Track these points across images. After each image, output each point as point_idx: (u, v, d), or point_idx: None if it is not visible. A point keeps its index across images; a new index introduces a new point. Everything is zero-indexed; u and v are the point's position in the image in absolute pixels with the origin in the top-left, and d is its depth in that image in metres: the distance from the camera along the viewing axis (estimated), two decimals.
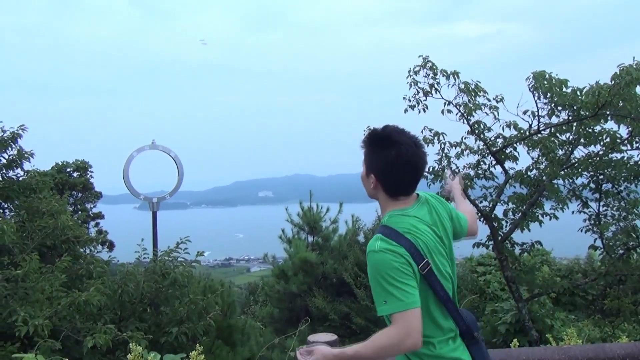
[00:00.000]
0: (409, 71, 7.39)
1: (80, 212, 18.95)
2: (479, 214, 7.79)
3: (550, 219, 7.69)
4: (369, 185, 2.12)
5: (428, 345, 1.95)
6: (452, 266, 2.08)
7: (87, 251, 8.28)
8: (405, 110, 7.47)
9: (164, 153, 11.51)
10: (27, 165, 7.95)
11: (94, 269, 6.63)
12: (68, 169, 21.45)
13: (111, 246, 20.52)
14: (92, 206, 22.32)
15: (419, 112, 7.42)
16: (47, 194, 7.87)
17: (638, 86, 6.41)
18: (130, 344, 3.26)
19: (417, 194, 2.14)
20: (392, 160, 2.00)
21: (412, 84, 7.41)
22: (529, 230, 7.75)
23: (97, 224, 22.24)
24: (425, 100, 7.45)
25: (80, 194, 21.50)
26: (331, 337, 2.38)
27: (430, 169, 7.80)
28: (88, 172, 22.02)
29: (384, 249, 1.89)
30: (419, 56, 7.38)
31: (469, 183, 7.82)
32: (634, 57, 6.38)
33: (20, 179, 7.79)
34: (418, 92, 7.43)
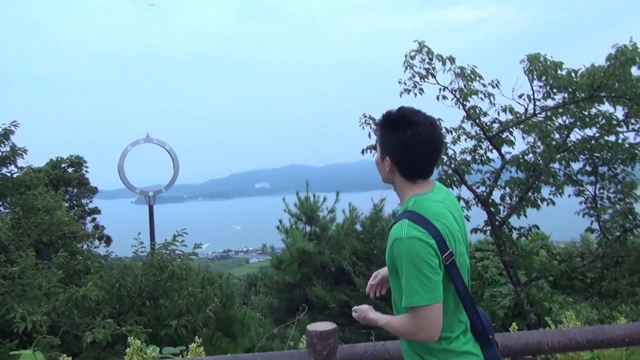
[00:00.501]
0: (406, 55, 7.35)
1: (76, 208, 18.87)
2: (477, 199, 7.79)
3: (547, 205, 7.69)
4: (385, 169, 2.02)
5: (441, 340, 1.89)
6: (467, 256, 2.04)
7: (84, 246, 8.27)
8: (401, 94, 7.44)
9: (159, 146, 11.43)
10: (21, 162, 7.91)
11: (92, 264, 6.62)
12: (63, 165, 21.33)
13: (108, 241, 20.48)
14: (88, 202, 22.25)
15: (415, 95, 7.39)
16: (42, 190, 7.83)
17: (633, 66, 6.38)
18: (129, 338, 3.25)
19: (433, 180, 2.06)
20: (408, 140, 1.90)
21: (408, 67, 7.36)
22: (526, 216, 7.75)
23: (93, 219, 22.18)
24: (422, 84, 7.42)
25: (75, 190, 21.42)
26: (330, 325, 2.36)
27: None
28: (83, 168, 21.92)
29: (412, 236, 1.80)
30: (415, 41, 7.34)
31: (465, 169, 7.81)
32: (631, 37, 6.36)
33: (15, 175, 7.75)
34: (414, 76, 7.39)
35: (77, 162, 21.63)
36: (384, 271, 2.29)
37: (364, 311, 2.11)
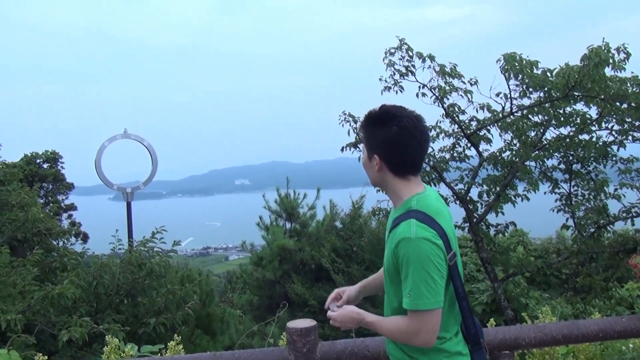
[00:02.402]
0: (386, 52, 7.39)
1: (51, 204, 18.53)
2: (455, 197, 7.88)
3: (522, 200, 7.82)
4: (373, 169, 1.95)
5: (436, 339, 1.86)
6: None
7: (60, 243, 8.14)
8: (382, 92, 7.48)
9: (137, 142, 11.30)
10: None
11: (68, 262, 6.52)
12: (38, 160, 20.94)
13: (85, 238, 20.18)
14: (64, 198, 21.89)
15: (396, 92, 7.43)
16: (16, 186, 7.69)
17: (607, 67, 6.51)
18: (107, 337, 3.21)
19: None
20: (395, 135, 1.86)
21: (389, 65, 7.40)
22: (503, 213, 7.86)
23: (70, 216, 21.83)
24: (401, 81, 7.46)
25: (51, 186, 21.05)
26: (310, 322, 2.37)
27: None
28: (59, 163, 21.55)
29: (422, 237, 1.76)
30: (396, 36, 7.38)
31: (444, 166, 7.89)
32: (603, 38, 6.49)
33: None
34: (394, 74, 7.43)
35: (53, 158, 21.25)
36: (350, 291, 2.27)
37: (348, 309, 2.05)
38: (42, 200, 19.34)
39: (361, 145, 2.07)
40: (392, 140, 1.88)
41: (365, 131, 1.98)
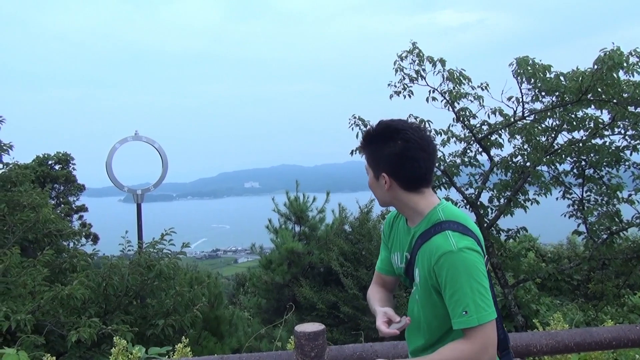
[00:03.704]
0: (398, 55, 7.38)
1: (62, 206, 18.70)
2: (465, 201, 7.83)
3: (531, 204, 7.75)
4: (382, 189, 1.82)
5: None
6: None
7: (71, 244, 8.19)
8: (391, 97, 7.45)
9: (147, 144, 11.34)
10: (6, 158, 7.82)
11: (78, 263, 6.55)
12: (50, 162, 21.14)
13: (95, 239, 20.31)
14: (75, 199, 22.06)
15: (405, 97, 7.41)
16: (27, 187, 7.75)
17: (620, 70, 6.44)
18: (115, 338, 3.21)
19: None
20: (401, 149, 1.74)
21: (398, 69, 7.38)
22: (512, 214, 7.79)
23: (80, 217, 21.99)
24: (411, 86, 7.44)
25: (62, 187, 21.23)
26: (318, 326, 2.34)
27: None
28: (70, 165, 21.73)
29: (464, 247, 1.64)
30: (410, 41, 7.37)
31: (455, 170, 7.84)
32: (613, 43, 6.43)
33: (0, 172, 7.65)
34: (404, 78, 7.41)
35: (64, 159, 21.44)
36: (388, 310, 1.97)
37: None
38: (53, 202, 19.51)
39: (365, 166, 1.90)
40: (400, 155, 1.76)
41: (369, 150, 1.86)
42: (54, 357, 3.14)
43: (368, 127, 1.93)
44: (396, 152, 1.76)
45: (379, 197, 1.89)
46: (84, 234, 10.89)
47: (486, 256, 1.74)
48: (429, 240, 1.72)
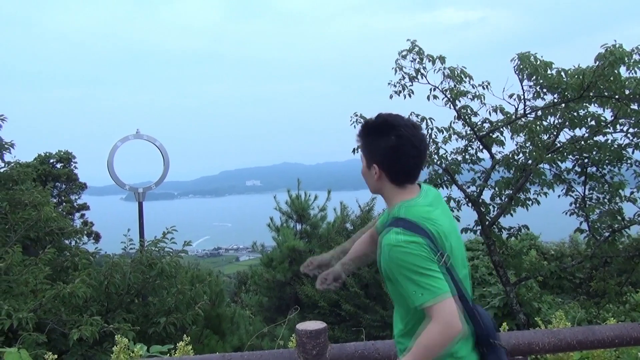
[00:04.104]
0: (399, 54, 7.36)
1: (64, 204, 18.72)
2: (467, 199, 7.81)
3: (532, 204, 7.73)
4: (372, 179, 2.00)
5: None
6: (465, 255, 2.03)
7: (72, 243, 8.19)
8: (391, 96, 7.44)
9: (149, 142, 11.34)
10: (8, 157, 7.82)
11: (79, 261, 6.55)
12: (51, 160, 21.15)
13: (97, 237, 20.34)
14: (77, 197, 22.09)
15: (405, 97, 7.39)
16: (29, 185, 7.75)
17: (622, 66, 6.42)
18: (116, 336, 3.21)
19: (418, 183, 2.06)
20: (394, 144, 1.90)
21: (398, 69, 7.37)
22: (514, 212, 7.77)
23: (82, 216, 22.02)
24: (411, 85, 7.42)
25: (64, 186, 21.25)
26: (320, 324, 2.34)
27: None
28: (72, 163, 21.75)
29: (407, 241, 1.79)
30: (407, 40, 7.34)
31: (456, 168, 7.83)
32: (615, 40, 6.40)
33: (1, 170, 7.65)
34: (404, 77, 7.39)
35: (66, 158, 21.46)
36: (322, 259, 2.44)
37: None
38: (55, 200, 19.53)
39: (359, 155, 2.07)
40: (392, 149, 1.92)
41: (364, 141, 2.02)
42: (56, 356, 3.14)
43: (368, 118, 2.04)
44: (390, 146, 1.91)
45: (369, 184, 2.06)
46: (85, 232, 10.89)
47: (440, 252, 1.83)
48: (382, 234, 1.91)
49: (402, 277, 1.80)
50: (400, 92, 7.44)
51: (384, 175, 1.96)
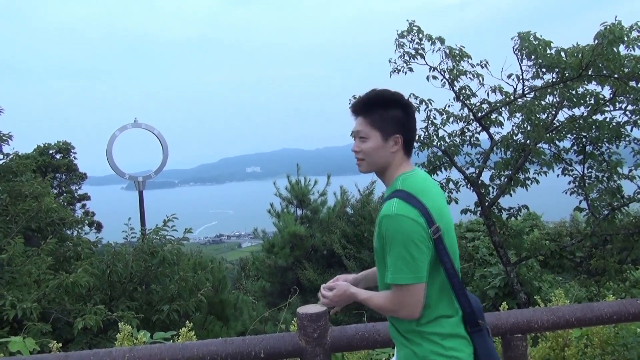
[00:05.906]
0: (398, 33, 7.32)
1: (65, 194, 18.73)
2: (466, 180, 7.82)
3: (531, 184, 7.74)
4: (387, 151, 1.95)
5: (430, 321, 1.89)
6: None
7: (74, 233, 8.22)
8: (391, 74, 7.41)
9: (147, 131, 11.34)
10: (7, 149, 7.81)
11: (82, 251, 6.59)
12: (50, 151, 21.12)
13: (99, 227, 20.39)
14: (77, 188, 22.10)
15: (405, 73, 7.37)
16: (29, 176, 7.75)
17: (621, 45, 6.37)
18: (120, 324, 3.24)
19: None
20: (407, 114, 1.98)
21: (398, 46, 7.33)
22: (512, 192, 7.78)
23: (83, 206, 22.05)
24: (411, 63, 7.40)
25: (64, 176, 21.25)
26: (321, 307, 2.36)
27: (417, 137, 7.77)
28: (71, 154, 21.72)
29: (401, 214, 1.80)
30: (406, 20, 7.30)
31: (455, 150, 7.82)
32: (615, 17, 6.35)
33: (1, 162, 7.65)
34: (404, 55, 7.37)
35: (65, 148, 21.42)
36: (352, 278, 2.30)
37: (342, 289, 2.10)
38: (55, 191, 19.55)
39: (356, 131, 2.01)
40: (406, 119, 1.97)
41: (378, 114, 1.96)
42: (61, 344, 3.17)
43: (373, 91, 2.02)
44: (403, 116, 1.97)
45: (380, 158, 1.98)
46: (87, 222, 10.93)
47: (436, 225, 1.84)
48: (383, 205, 1.92)
49: (391, 247, 1.83)
50: (400, 70, 7.41)
51: (402, 147, 1.98)
